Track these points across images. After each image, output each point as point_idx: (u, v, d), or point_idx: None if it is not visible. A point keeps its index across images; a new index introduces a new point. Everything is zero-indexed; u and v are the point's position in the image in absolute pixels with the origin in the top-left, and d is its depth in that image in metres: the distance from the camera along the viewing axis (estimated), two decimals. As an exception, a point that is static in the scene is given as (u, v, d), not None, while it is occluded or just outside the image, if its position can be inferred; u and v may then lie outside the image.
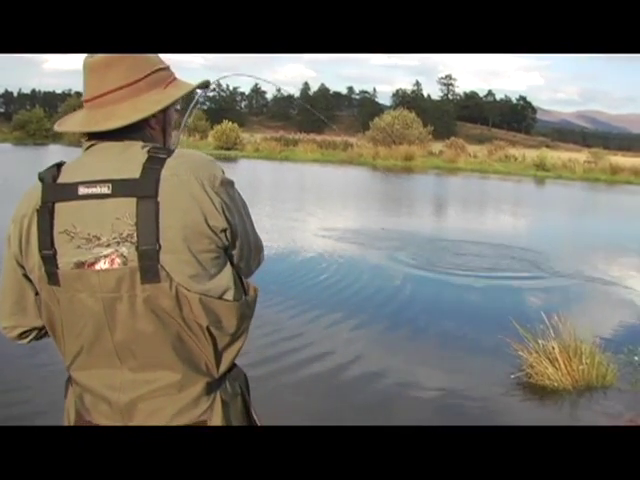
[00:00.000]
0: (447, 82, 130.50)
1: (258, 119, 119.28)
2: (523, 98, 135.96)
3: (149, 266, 1.26)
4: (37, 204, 1.31)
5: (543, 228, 14.55)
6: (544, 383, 4.65)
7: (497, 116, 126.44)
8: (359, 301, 6.87)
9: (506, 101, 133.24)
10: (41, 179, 1.33)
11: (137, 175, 1.27)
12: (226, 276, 1.36)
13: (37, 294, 1.39)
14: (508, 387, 4.67)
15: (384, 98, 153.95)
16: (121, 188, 1.27)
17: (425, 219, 15.03)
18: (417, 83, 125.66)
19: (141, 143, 1.34)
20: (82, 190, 1.28)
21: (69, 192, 1.30)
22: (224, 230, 1.33)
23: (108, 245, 1.27)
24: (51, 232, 1.30)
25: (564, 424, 4.13)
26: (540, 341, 4.77)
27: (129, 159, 1.30)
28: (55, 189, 1.31)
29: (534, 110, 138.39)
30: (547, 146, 65.12)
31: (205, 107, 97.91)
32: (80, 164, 1.35)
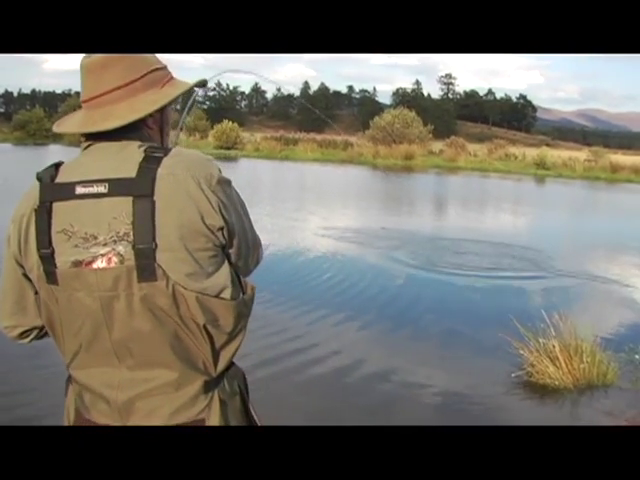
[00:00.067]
0: (447, 81, 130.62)
1: (258, 118, 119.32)
2: (523, 97, 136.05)
3: (146, 265, 1.27)
4: (35, 204, 1.32)
5: (543, 227, 14.55)
6: (545, 382, 4.66)
7: (497, 115, 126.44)
8: (360, 301, 6.87)
9: (506, 100, 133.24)
10: (39, 179, 1.34)
11: (133, 174, 1.28)
12: (223, 274, 1.37)
13: (37, 293, 1.39)
14: (509, 386, 4.68)
15: (384, 97, 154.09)
16: (117, 187, 1.27)
17: (425, 218, 15.03)
18: (417, 82, 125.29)
19: (138, 143, 1.34)
20: (79, 190, 1.29)
21: (67, 192, 1.30)
22: (221, 229, 1.33)
23: (105, 244, 1.28)
24: (49, 231, 1.31)
25: (565, 423, 4.13)
26: (541, 340, 4.78)
27: (126, 158, 1.31)
28: (53, 189, 1.32)
29: (534, 109, 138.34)
30: (547, 145, 65.13)
31: (205, 106, 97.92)
32: (78, 164, 1.36)
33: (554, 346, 4.68)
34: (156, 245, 1.26)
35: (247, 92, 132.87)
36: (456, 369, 5.02)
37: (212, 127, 40.86)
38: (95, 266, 1.29)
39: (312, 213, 14.06)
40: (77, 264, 1.30)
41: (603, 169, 31.87)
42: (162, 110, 1.42)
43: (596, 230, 14.02)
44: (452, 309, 6.76)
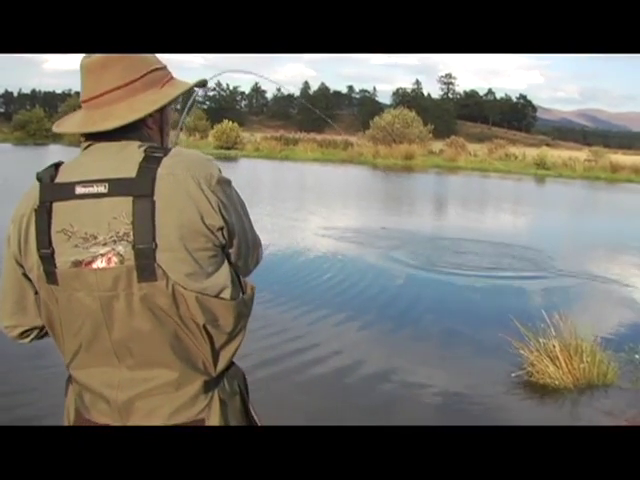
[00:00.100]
0: (447, 81, 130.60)
1: (258, 118, 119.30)
2: (523, 97, 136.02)
3: (145, 265, 1.27)
4: (35, 204, 1.32)
5: (543, 226, 14.55)
6: (545, 381, 4.66)
7: (497, 115, 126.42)
8: (359, 301, 6.87)
9: (506, 100, 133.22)
10: (39, 179, 1.34)
11: (133, 174, 1.28)
12: (223, 274, 1.37)
13: (37, 293, 1.39)
14: (509, 386, 4.68)
15: (384, 97, 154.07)
16: (117, 187, 1.28)
17: (425, 218, 15.03)
18: (417, 82, 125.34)
19: (138, 143, 1.34)
20: (79, 190, 1.29)
21: (66, 192, 1.30)
22: (221, 228, 1.33)
23: (105, 244, 1.28)
24: (49, 231, 1.31)
25: (565, 423, 4.13)
26: (541, 339, 4.78)
27: (126, 158, 1.31)
28: (53, 189, 1.32)
29: (534, 109, 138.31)
30: (547, 144, 65.12)
31: (205, 106, 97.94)
32: (77, 164, 1.36)
33: (554, 346, 4.68)
34: (156, 245, 1.27)
35: (247, 92, 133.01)
36: (456, 369, 5.02)
37: (212, 127, 40.87)
38: (95, 266, 1.29)
39: (312, 213, 14.06)
40: (77, 264, 1.30)
41: (603, 169, 31.86)
42: (162, 110, 1.42)
43: (596, 230, 14.02)
44: (452, 309, 6.76)
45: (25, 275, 1.40)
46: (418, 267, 8.70)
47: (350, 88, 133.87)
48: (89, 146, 1.37)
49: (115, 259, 1.28)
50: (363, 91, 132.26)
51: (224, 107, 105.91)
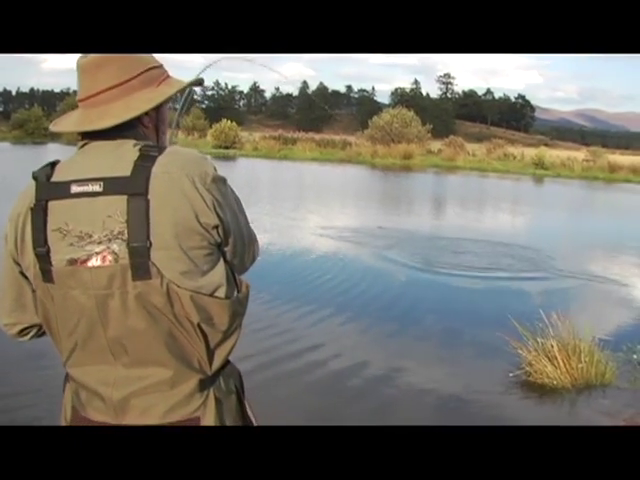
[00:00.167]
0: (446, 81, 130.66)
1: (257, 118, 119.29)
2: (522, 97, 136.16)
3: (140, 263, 1.27)
4: (31, 202, 1.33)
5: (542, 226, 14.57)
6: (543, 381, 4.66)
7: (496, 114, 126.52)
8: (358, 300, 6.87)
9: (505, 100, 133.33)
10: (35, 178, 1.34)
11: (128, 173, 1.28)
12: (218, 273, 1.37)
13: (34, 291, 1.40)
14: (507, 385, 4.68)
15: (383, 97, 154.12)
16: (112, 186, 1.28)
17: (424, 217, 15.03)
18: (416, 82, 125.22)
19: (133, 141, 1.34)
20: (74, 188, 1.30)
21: (62, 190, 1.31)
22: (216, 227, 1.33)
23: (100, 242, 1.29)
24: (44, 230, 1.31)
25: (563, 422, 4.13)
26: (539, 339, 4.78)
27: (121, 157, 1.31)
28: (48, 188, 1.33)
29: (533, 109, 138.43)
30: (546, 144, 65.07)
31: (204, 106, 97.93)
32: (73, 163, 1.37)
33: (552, 346, 4.69)
34: (150, 243, 1.27)
35: (246, 91, 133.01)
36: (454, 368, 5.02)
37: (210, 126, 40.86)
38: (90, 264, 1.29)
39: (311, 212, 14.06)
40: (72, 262, 1.30)
41: (601, 169, 31.91)
42: (158, 109, 1.42)
43: (594, 230, 14.04)
44: (450, 309, 6.76)
45: (22, 273, 1.40)
46: (416, 267, 8.70)
47: (349, 88, 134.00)
48: (85, 145, 1.38)
49: (110, 257, 1.28)
50: (362, 91, 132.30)
51: (222, 106, 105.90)
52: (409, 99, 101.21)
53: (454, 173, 29.93)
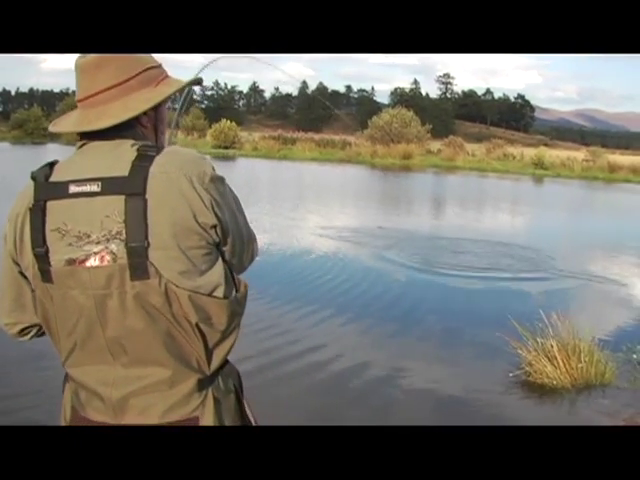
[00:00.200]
0: (445, 81, 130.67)
1: (256, 118, 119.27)
2: (521, 96, 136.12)
3: (138, 263, 1.27)
4: (30, 203, 1.33)
5: (542, 226, 14.57)
6: (543, 381, 4.66)
7: (495, 115, 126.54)
8: (359, 301, 6.87)
9: (504, 100, 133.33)
10: (33, 178, 1.35)
11: (126, 173, 1.28)
12: (217, 272, 1.37)
13: (34, 291, 1.40)
14: (507, 385, 4.68)
15: (382, 97, 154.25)
16: (110, 186, 1.28)
17: (423, 217, 15.04)
18: (415, 82, 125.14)
19: (131, 141, 1.35)
20: (73, 188, 1.30)
21: (60, 190, 1.31)
22: (214, 226, 1.33)
23: (98, 242, 1.29)
24: (43, 230, 1.32)
25: (563, 422, 4.13)
26: (539, 339, 4.78)
27: (119, 157, 1.31)
28: (47, 188, 1.33)
29: (532, 109, 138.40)
30: (545, 144, 65.10)
31: (203, 106, 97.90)
32: (72, 163, 1.37)
33: (552, 346, 4.69)
34: (148, 243, 1.27)
35: (245, 91, 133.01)
36: (454, 368, 5.02)
37: (210, 126, 40.86)
38: (88, 264, 1.30)
39: (310, 212, 14.06)
40: (71, 262, 1.31)
41: (601, 169, 31.90)
42: (156, 108, 1.42)
43: (594, 230, 14.04)
44: (450, 309, 6.76)
45: (22, 273, 1.41)
46: (416, 267, 8.70)
47: (348, 88, 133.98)
48: (84, 145, 1.38)
49: (108, 257, 1.28)
50: (361, 90, 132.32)
51: (222, 106, 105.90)
52: (409, 99, 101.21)
53: (454, 173, 29.93)
